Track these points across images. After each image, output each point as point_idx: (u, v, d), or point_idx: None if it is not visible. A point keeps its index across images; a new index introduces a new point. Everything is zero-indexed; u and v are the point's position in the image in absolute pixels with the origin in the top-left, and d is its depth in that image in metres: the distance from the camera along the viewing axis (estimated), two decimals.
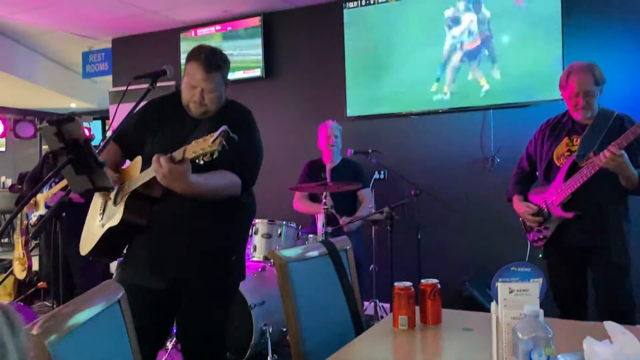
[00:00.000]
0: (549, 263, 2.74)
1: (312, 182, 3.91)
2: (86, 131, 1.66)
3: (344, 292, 1.94)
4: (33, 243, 4.49)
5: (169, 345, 3.42)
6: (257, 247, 3.73)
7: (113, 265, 4.39)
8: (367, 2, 4.70)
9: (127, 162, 2.19)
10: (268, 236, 3.72)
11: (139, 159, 2.03)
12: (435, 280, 1.80)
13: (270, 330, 3.33)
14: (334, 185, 3.69)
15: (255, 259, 3.72)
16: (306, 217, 4.21)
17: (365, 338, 1.75)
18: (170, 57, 5.27)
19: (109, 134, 2.31)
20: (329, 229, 3.58)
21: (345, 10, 4.77)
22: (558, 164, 2.66)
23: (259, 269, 3.69)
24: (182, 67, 2.17)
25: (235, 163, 1.97)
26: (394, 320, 1.76)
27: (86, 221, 2.25)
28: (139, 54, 5.80)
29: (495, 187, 4.19)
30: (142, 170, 1.97)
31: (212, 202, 2.02)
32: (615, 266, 2.56)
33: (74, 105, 9.09)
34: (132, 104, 2.08)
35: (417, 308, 1.78)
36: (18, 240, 4.23)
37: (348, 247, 2.07)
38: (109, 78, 6.29)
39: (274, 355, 3.34)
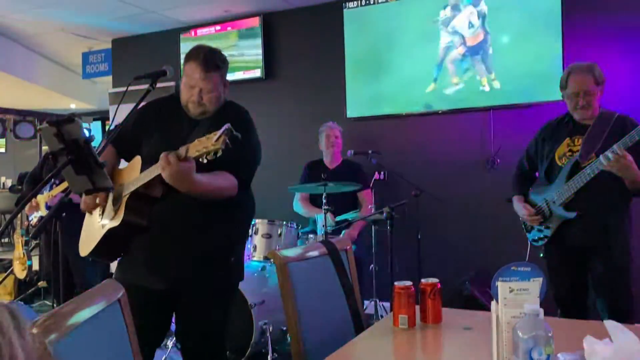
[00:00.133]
0: (550, 263, 2.74)
1: (312, 182, 3.92)
2: (86, 132, 1.67)
3: (344, 292, 1.94)
4: (33, 243, 4.49)
5: (169, 344, 3.42)
6: (257, 247, 3.73)
7: (113, 265, 4.38)
8: (367, 2, 4.70)
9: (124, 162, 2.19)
10: (268, 236, 3.73)
11: (138, 159, 2.03)
12: (435, 280, 1.80)
13: (270, 329, 3.34)
14: (334, 186, 3.69)
15: (255, 259, 3.73)
16: (306, 218, 4.21)
17: (366, 337, 1.75)
18: (170, 57, 5.27)
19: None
20: (329, 229, 3.59)
21: (345, 11, 4.77)
22: (560, 164, 2.67)
23: (259, 269, 3.69)
24: (182, 67, 2.17)
25: (232, 162, 1.97)
26: (394, 320, 1.76)
27: (85, 222, 2.24)
28: (139, 55, 5.80)
29: (495, 187, 4.20)
30: (141, 170, 1.97)
31: (212, 202, 2.02)
32: (615, 266, 2.57)
33: (73, 105, 9.09)
34: (132, 105, 2.08)
35: (417, 307, 1.78)
36: (18, 240, 4.23)
37: (348, 247, 2.07)
38: (108, 79, 6.29)
39: (274, 354, 3.34)
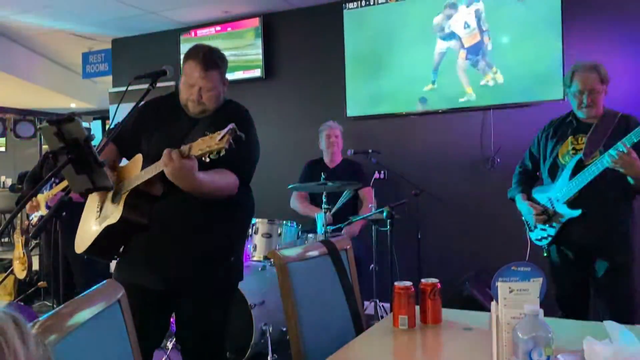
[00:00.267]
0: (553, 262, 2.73)
1: (313, 182, 3.92)
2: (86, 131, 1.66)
3: (344, 292, 1.94)
4: (33, 243, 4.49)
5: (169, 345, 3.42)
6: (257, 247, 3.73)
7: (113, 265, 4.38)
8: (367, 2, 4.70)
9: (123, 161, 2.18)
10: (268, 236, 3.73)
11: (139, 156, 2.02)
12: (435, 280, 1.80)
13: (270, 329, 3.34)
14: (334, 185, 3.69)
15: (255, 258, 3.72)
16: (306, 217, 4.21)
17: (365, 338, 1.75)
18: (170, 57, 5.27)
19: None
20: (329, 229, 3.59)
21: (345, 11, 4.77)
22: (563, 162, 2.66)
23: (259, 269, 3.69)
24: (182, 67, 2.18)
25: (233, 161, 1.96)
26: (394, 320, 1.76)
27: (81, 219, 2.22)
28: (139, 55, 5.81)
29: (495, 187, 4.20)
30: (142, 168, 1.97)
31: (212, 201, 2.01)
32: (618, 265, 2.56)
33: (74, 105, 9.09)
34: (132, 104, 2.08)
35: (417, 308, 1.78)
36: (18, 240, 4.23)
37: (348, 247, 2.07)
38: (108, 78, 6.29)
39: (274, 355, 3.34)
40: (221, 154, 1.69)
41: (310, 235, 3.85)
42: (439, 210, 4.34)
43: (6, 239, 8.35)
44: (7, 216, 8.12)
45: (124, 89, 2.67)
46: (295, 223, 3.84)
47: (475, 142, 4.41)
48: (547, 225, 2.70)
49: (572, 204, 2.60)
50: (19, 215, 4.03)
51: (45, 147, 7.83)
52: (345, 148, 4.31)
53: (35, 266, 4.84)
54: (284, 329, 3.39)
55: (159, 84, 2.14)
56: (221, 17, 5.31)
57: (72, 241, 2.21)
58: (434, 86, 4.48)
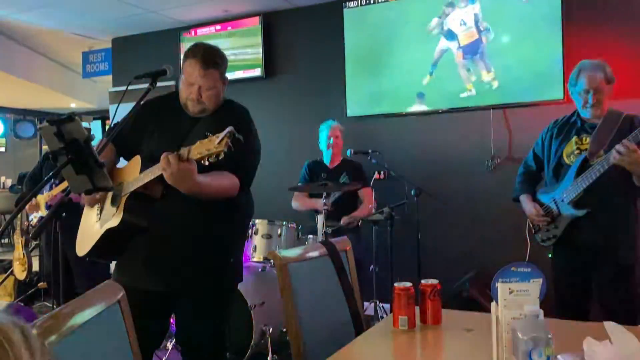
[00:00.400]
0: (557, 263, 2.72)
1: (313, 182, 3.91)
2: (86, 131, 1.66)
3: (344, 292, 1.94)
4: (33, 243, 4.49)
5: (169, 345, 3.42)
6: (257, 248, 3.73)
7: (113, 266, 4.38)
8: (367, 1, 4.70)
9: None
10: (268, 236, 3.72)
11: (137, 158, 2.01)
12: (435, 281, 1.80)
13: (270, 330, 3.33)
14: (335, 185, 3.69)
15: (255, 259, 3.72)
16: (306, 218, 4.21)
17: (365, 338, 1.75)
18: (170, 57, 5.27)
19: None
20: (329, 230, 3.59)
21: (345, 10, 4.77)
22: (568, 162, 2.65)
23: (259, 269, 3.69)
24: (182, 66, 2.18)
25: (233, 163, 1.96)
26: (394, 321, 1.75)
27: (81, 222, 2.23)
28: (139, 54, 5.80)
29: (495, 187, 4.20)
30: (141, 170, 1.97)
31: (211, 203, 2.01)
32: (622, 266, 2.55)
33: (74, 105, 9.09)
34: (132, 104, 2.07)
35: (417, 308, 1.78)
36: (18, 240, 4.22)
37: (348, 247, 2.07)
38: (108, 78, 6.29)
39: (274, 355, 3.34)
40: (220, 157, 1.68)
41: (310, 236, 3.85)
42: (439, 210, 4.34)
43: (6, 240, 8.35)
44: (8, 217, 8.12)
45: (124, 88, 2.67)
46: (295, 223, 3.84)
47: (475, 142, 4.41)
48: (551, 225, 2.70)
49: (577, 204, 2.58)
50: (19, 216, 4.03)
51: (45, 147, 7.82)
52: (345, 148, 4.31)
53: (36, 267, 4.84)
54: (284, 329, 3.39)
55: (159, 84, 2.14)
56: (221, 16, 5.31)
57: (72, 242, 2.21)
58: (432, 77, 4.48)
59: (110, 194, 2.06)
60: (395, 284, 1.76)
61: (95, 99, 8.62)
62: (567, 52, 4.00)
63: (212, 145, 1.67)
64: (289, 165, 4.72)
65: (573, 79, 2.66)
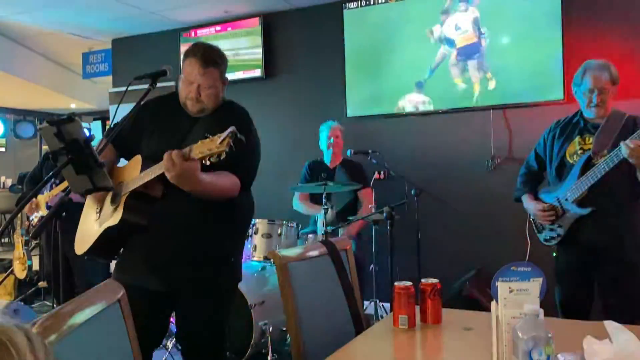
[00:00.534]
0: (560, 262, 2.71)
1: (313, 182, 3.91)
2: (86, 131, 1.67)
3: (344, 292, 1.94)
4: (33, 243, 4.49)
5: (169, 345, 3.42)
6: (257, 247, 3.73)
7: (113, 265, 4.39)
8: (367, 2, 4.70)
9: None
10: (268, 236, 3.73)
11: (138, 158, 2.01)
12: (435, 280, 1.80)
13: (270, 329, 3.33)
14: (335, 185, 3.69)
15: (255, 258, 3.72)
16: (306, 218, 4.21)
17: (365, 337, 1.75)
18: (170, 57, 5.27)
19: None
20: (329, 229, 3.59)
21: (345, 11, 4.77)
22: (571, 162, 2.64)
23: (259, 269, 3.69)
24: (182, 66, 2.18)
25: (235, 164, 1.96)
26: (394, 320, 1.76)
27: (81, 220, 2.23)
28: (139, 55, 5.80)
29: (495, 187, 4.20)
30: (141, 169, 1.97)
31: (211, 202, 2.01)
32: (627, 265, 2.54)
33: (74, 105, 9.09)
34: (132, 105, 2.08)
35: (417, 308, 1.78)
36: (18, 240, 4.23)
37: (348, 247, 2.07)
38: (109, 78, 6.29)
39: (274, 354, 3.34)
40: (222, 157, 1.68)
41: (310, 235, 3.85)
42: (439, 210, 4.34)
43: (6, 239, 8.35)
44: (8, 217, 8.12)
45: (124, 89, 2.68)
46: (295, 223, 3.84)
47: (476, 142, 4.41)
48: (555, 225, 2.69)
49: (581, 203, 2.57)
50: (19, 215, 4.04)
51: (45, 147, 7.83)
52: (345, 148, 4.31)
53: (36, 266, 4.84)
54: (284, 329, 3.39)
55: (159, 84, 2.14)
56: (221, 17, 5.31)
57: (72, 241, 2.22)
58: (432, 77, 4.48)
59: (110, 193, 2.06)
60: (396, 283, 1.76)
61: (95, 100, 8.62)
62: (567, 52, 4.00)
63: (213, 145, 1.67)
64: (289, 166, 4.72)
65: (578, 78, 2.65)
